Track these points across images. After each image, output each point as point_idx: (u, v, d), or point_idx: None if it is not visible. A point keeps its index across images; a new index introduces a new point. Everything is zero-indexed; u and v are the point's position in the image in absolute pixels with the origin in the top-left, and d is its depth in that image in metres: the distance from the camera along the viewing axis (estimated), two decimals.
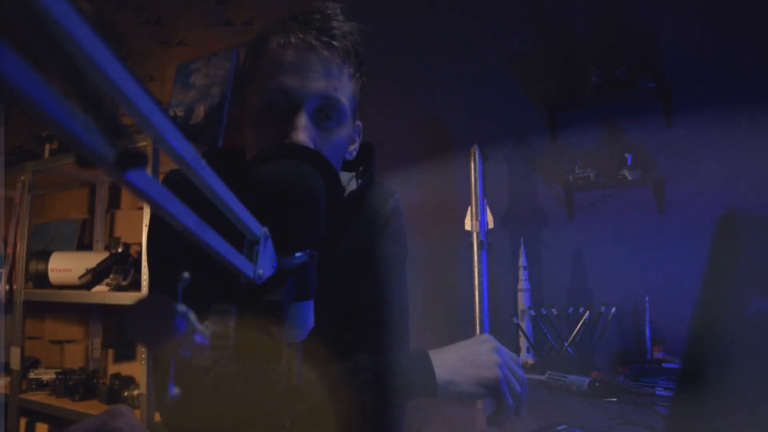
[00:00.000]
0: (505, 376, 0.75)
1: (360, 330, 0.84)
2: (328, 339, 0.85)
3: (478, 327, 1.83)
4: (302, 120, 0.72)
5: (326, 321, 0.83)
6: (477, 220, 1.92)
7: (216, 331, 0.32)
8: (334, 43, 0.75)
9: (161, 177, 0.88)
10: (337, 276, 0.84)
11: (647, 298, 1.76)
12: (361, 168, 0.91)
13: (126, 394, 2.03)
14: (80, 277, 2.07)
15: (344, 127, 0.78)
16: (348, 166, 0.90)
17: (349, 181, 0.89)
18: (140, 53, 2.86)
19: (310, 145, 0.72)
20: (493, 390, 0.74)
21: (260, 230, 0.41)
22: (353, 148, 0.87)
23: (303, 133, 0.71)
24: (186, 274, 0.32)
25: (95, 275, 2.05)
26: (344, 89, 0.77)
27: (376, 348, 0.81)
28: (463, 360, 0.75)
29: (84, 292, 2.08)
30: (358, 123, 0.87)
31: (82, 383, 2.13)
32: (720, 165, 1.84)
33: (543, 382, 1.48)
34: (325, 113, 0.75)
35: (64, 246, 2.60)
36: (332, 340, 0.85)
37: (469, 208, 1.95)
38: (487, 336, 0.80)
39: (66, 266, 2.19)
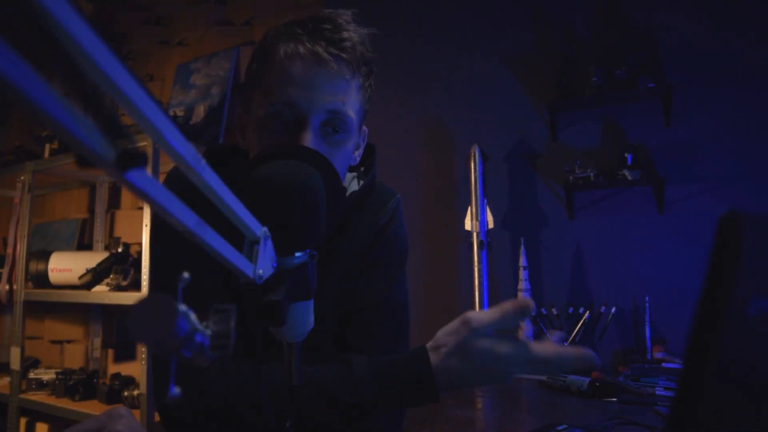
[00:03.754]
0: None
1: (360, 330, 0.84)
2: (328, 339, 0.85)
3: None
4: (308, 135, 0.71)
5: (326, 321, 0.83)
6: (477, 220, 1.92)
7: (217, 331, 0.32)
8: (344, 55, 0.73)
9: (161, 177, 0.87)
10: (337, 276, 0.84)
11: (647, 298, 1.76)
12: (362, 168, 0.91)
13: (126, 394, 2.04)
14: (80, 277, 2.07)
15: (351, 139, 0.78)
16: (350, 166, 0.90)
17: (351, 182, 0.89)
18: (140, 53, 2.86)
19: None
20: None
21: (260, 230, 0.41)
22: (357, 153, 0.87)
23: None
24: (186, 274, 0.32)
25: (95, 275, 2.05)
26: (352, 102, 0.75)
27: (375, 348, 0.81)
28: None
29: (84, 292, 2.08)
30: (364, 128, 0.87)
31: (82, 383, 2.13)
32: (720, 165, 1.84)
33: (543, 382, 1.48)
34: (333, 127, 0.74)
35: (64, 246, 2.60)
36: (332, 340, 0.85)
37: (469, 208, 1.95)
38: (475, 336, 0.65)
39: (66, 266, 2.19)
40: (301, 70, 0.72)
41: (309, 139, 0.71)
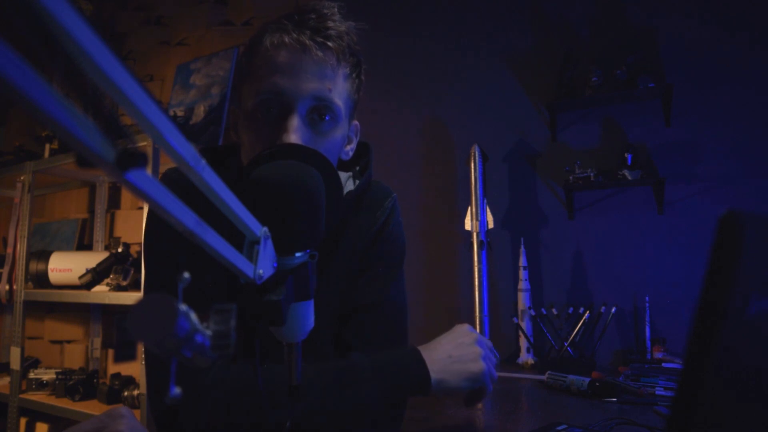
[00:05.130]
0: (488, 368, 0.81)
1: (359, 330, 0.84)
2: (328, 339, 0.85)
3: (478, 327, 1.83)
4: (294, 121, 0.72)
5: (326, 321, 0.83)
6: (477, 220, 1.92)
7: (217, 331, 0.32)
8: (329, 43, 0.74)
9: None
10: (336, 276, 0.84)
11: (647, 298, 1.76)
12: (358, 168, 0.91)
13: (126, 394, 2.04)
14: (80, 277, 2.07)
15: (339, 128, 0.77)
16: (345, 165, 0.90)
17: (347, 181, 0.89)
18: (140, 53, 2.86)
19: None
20: (479, 381, 0.81)
21: (260, 230, 0.41)
22: (350, 148, 0.86)
23: (295, 134, 0.71)
24: (186, 274, 0.32)
25: (95, 275, 2.05)
26: (339, 90, 0.76)
27: (374, 347, 0.81)
28: (451, 357, 0.80)
29: (84, 292, 2.08)
30: (355, 123, 0.87)
31: (82, 383, 2.13)
32: (720, 165, 1.84)
33: (543, 382, 1.48)
34: (319, 114, 0.74)
35: (64, 246, 2.60)
36: (332, 340, 0.85)
37: (469, 208, 1.95)
38: (466, 328, 0.86)
39: (66, 266, 2.19)
40: (286, 59, 0.73)
41: (295, 126, 0.71)
